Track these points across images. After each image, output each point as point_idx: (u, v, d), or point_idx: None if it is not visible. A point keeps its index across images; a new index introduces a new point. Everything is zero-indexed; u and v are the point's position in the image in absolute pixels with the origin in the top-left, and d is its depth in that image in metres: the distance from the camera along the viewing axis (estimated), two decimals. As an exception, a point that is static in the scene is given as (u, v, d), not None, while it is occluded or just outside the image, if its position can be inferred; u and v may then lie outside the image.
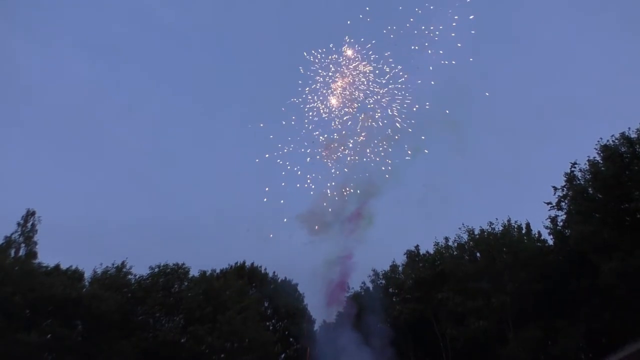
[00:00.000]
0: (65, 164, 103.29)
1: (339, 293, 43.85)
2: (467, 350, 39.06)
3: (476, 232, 41.58)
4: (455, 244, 43.44)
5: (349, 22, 36.52)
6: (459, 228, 42.70)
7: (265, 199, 36.77)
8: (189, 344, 39.01)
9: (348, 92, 36.64)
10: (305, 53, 36.41)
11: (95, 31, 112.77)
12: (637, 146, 31.23)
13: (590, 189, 33.44)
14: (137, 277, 42.54)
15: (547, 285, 35.55)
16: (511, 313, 37.01)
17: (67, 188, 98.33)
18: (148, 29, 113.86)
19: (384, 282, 47.54)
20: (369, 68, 36.18)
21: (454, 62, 34.75)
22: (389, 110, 35.95)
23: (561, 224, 36.99)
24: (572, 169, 34.86)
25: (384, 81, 36.03)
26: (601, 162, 32.67)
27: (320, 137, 36.60)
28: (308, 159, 36.28)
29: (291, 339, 50.25)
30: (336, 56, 36.30)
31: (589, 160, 33.52)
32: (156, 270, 42.27)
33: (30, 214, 42.15)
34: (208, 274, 46.15)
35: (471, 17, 34.20)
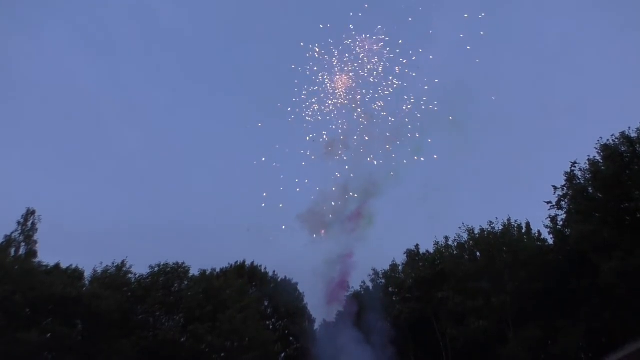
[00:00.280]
0: (65, 164, 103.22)
1: (339, 292, 44.01)
2: (467, 349, 39.08)
3: (476, 232, 41.60)
4: (455, 244, 43.55)
5: (351, 26, 36.65)
6: (459, 227, 42.89)
7: (265, 196, 36.94)
8: (189, 343, 38.96)
9: (349, 92, 36.71)
10: (307, 53, 36.47)
11: (96, 30, 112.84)
12: (637, 146, 31.25)
13: (590, 189, 33.46)
14: (137, 276, 42.46)
15: (547, 285, 35.54)
16: (511, 312, 37.04)
17: (67, 187, 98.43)
18: (148, 28, 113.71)
19: (384, 281, 47.60)
20: (369, 67, 36.26)
21: (456, 63, 34.83)
22: (388, 111, 36.03)
23: (561, 223, 37.01)
24: (572, 168, 34.87)
25: (384, 82, 36.11)
26: (601, 161, 32.69)
27: (322, 136, 36.67)
28: (313, 157, 36.35)
29: (291, 338, 50.26)
30: (338, 56, 36.40)
31: (589, 160, 33.56)
32: (156, 269, 42.20)
33: (30, 213, 42.06)
34: (208, 273, 46.12)
35: (481, 14, 33.95)
